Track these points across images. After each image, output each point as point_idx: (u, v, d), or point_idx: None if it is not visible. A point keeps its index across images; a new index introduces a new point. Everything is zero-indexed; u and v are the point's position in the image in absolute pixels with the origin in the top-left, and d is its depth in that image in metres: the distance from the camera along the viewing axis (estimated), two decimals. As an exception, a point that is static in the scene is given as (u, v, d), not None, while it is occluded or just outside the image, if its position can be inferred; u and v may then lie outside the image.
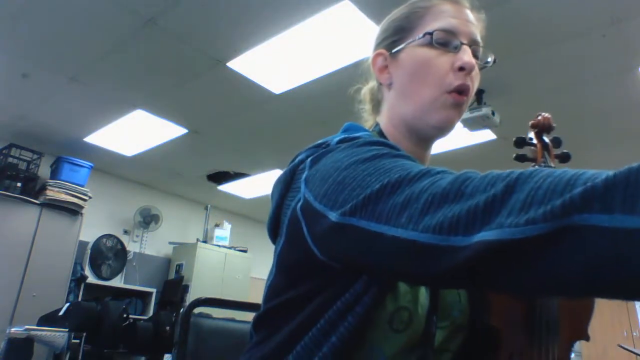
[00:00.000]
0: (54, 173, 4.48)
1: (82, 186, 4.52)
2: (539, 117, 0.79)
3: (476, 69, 0.68)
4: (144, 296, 5.33)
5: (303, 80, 3.28)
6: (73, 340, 3.36)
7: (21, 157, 4.43)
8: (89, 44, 3.06)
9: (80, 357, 3.41)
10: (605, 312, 5.25)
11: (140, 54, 3.13)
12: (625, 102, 3.39)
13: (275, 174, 4.75)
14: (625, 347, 3.59)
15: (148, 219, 5.56)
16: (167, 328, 3.78)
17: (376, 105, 0.78)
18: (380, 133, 0.72)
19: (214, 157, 4.87)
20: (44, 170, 4.55)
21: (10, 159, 4.34)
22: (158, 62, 3.22)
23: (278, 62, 3.11)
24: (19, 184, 4.28)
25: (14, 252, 4.02)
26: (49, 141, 4.55)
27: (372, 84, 0.81)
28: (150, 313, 5.08)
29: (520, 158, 0.82)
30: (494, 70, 3.53)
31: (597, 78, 3.15)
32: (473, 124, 3.31)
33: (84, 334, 3.43)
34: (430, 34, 0.67)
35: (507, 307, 0.68)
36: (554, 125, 0.80)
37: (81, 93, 3.68)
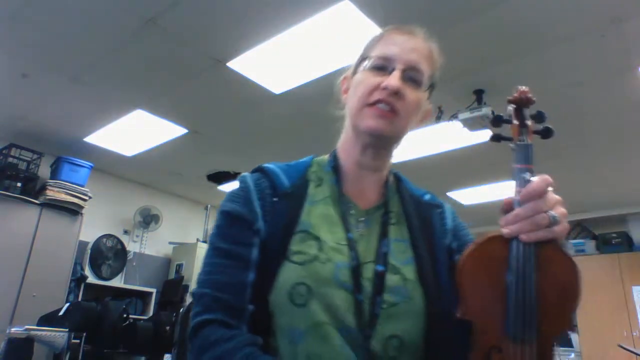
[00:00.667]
0: (54, 173, 4.48)
1: (82, 186, 4.52)
2: (517, 92, 0.78)
3: (412, 93, 0.79)
4: (144, 296, 5.33)
5: (303, 80, 3.28)
6: (73, 340, 3.36)
7: (21, 157, 4.44)
8: (89, 44, 3.06)
9: (80, 357, 3.41)
10: (605, 312, 5.25)
11: (140, 54, 3.13)
12: (625, 102, 3.39)
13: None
14: (625, 347, 3.59)
15: (148, 219, 5.56)
16: (167, 328, 3.78)
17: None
18: (334, 156, 0.86)
19: (214, 157, 4.87)
20: (44, 170, 4.55)
21: (10, 159, 4.34)
22: (158, 62, 3.22)
23: (278, 62, 3.11)
24: (19, 184, 4.28)
25: (14, 252, 4.02)
26: (49, 141, 4.55)
27: None
28: (150, 313, 5.08)
29: (496, 138, 0.81)
30: (494, 71, 3.54)
31: (597, 78, 3.15)
32: (473, 124, 3.31)
33: (84, 334, 3.43)
34: (367, 59, 0.82)
35: (482, 298, 0.67)
36: (533, 99, 0.77)
37: (81, 93, 3.68)
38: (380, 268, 0.73)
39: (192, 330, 0.69)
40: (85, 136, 4.46)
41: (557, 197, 0.67)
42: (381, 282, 0.72)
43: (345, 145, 0.85)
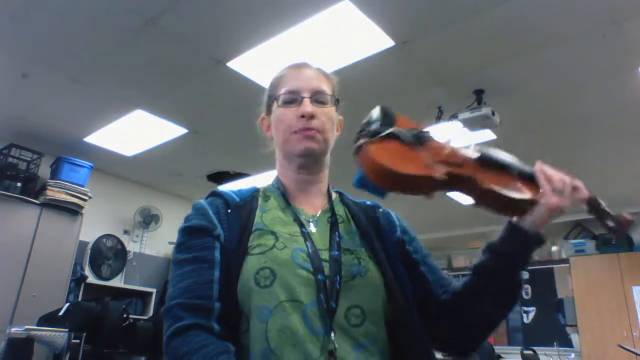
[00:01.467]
0: (54, 173, 4.48)
1: (82, 186, 4.51)
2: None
3: (324, 110, 0.92)
4: (144, 296, 5.32)
5: (303, 80, 3.28)
6: (73, 340, 3.35)
7: (21, 157, 4.43)
8: (89, 44, 3.06)
9: (80, 357, 3.41)
10: (605, 312, 5.25)
11: (140, 54, 3.13)
12: (625, 102, 3.39)
13: (275, 174, 4.71)
14: (625, 347, 3.60)
15: (148, 219, 5.56)
16: (167, 328, 3.77)
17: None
18: (277, 179, 0.98)
19: (214, 157, 4.87)
20: (44, 170, 4.55)
21: (10, 159, 4.34)
22: (158, 62, 3.22)
23: (278, 62, 3.10)
24: (19, 184, 4.28)
25: (14, 252, 4.02)
26: (49, 141, 4.55)
27: None
28: (150, 313, 5.08)
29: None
30: (494, 71, 3.54)
31: (597, 78, 3.15)
32: (473, 124, 3.31)
33: (84, 334, 3.42)
34: (277, 97, 0.94)
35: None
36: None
37: (81, 93, 3.68)
38: (335, 252, 0.83)
39: (165, 345, 0.74)
40: (85, 136, 4.46)
41: None
42: (338, 263, 0.81)
43: (283, 171, 0.97)
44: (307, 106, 0.90)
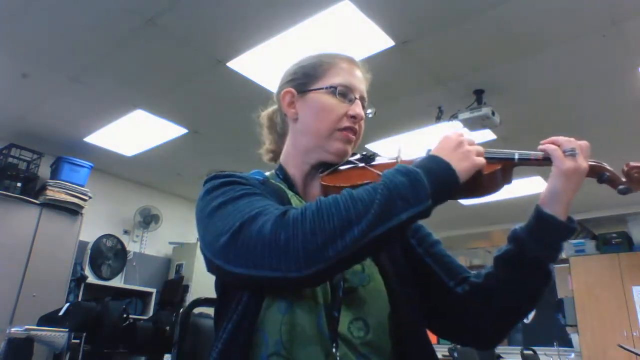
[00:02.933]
0: (54, 173, 4.48)
1: (82, 186, 4.51)
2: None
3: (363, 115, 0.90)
4: (144, 296, 5.32)
5: (303, 80, 3.28)
6: (73, 340, 3.35)
7: (21, 157, 4.43)
8: (89, 44, 3.06)
9: (80, 357, 3.41)
10: (605, 312, 5.25)
11: (140, 54, 3.13)
12: (625, 102, 3.39)
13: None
14: (625, 347, 3.59)
15: (148, 219, 5.56)
16: (167, 328, 3.78)
17: (275, 130, 1.00)
18: (281, 168, 0.93)
19: (214, 157, 4.87)
20: (44, 170, 4.55)
21: (10, 159, 4.34)
22: (158, 62, 3.22)
23: (278, 62, 3.11)
24: (19, 184, 4.28)
25: (14, 252, 4.02)
26: (49, 141, 4.55)
27: (272, 109, 1.01)
28: (150, 313, 5.08)
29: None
30: (494, 71, 3.53)
31: (597, 78, 3.15)
32: (473, 124, 3.31)
33: (84, 334, 3.42)
34: (335, 87, 0.88)
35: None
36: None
37: (81, 93, 3.68)
38: None
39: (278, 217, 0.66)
40: (85, 136, 4.46)
41: None
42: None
43: (295, 159, 0.92)
44: (361, 109, 0.88)
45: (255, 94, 3.51)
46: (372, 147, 4.14)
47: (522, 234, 0.79)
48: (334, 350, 0.70)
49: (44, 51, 3.16)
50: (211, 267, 0.72)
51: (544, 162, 0.77)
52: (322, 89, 0.89)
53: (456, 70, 3.16)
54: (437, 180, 0.69)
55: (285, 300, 0.71)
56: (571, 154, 0.75)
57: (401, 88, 3.36)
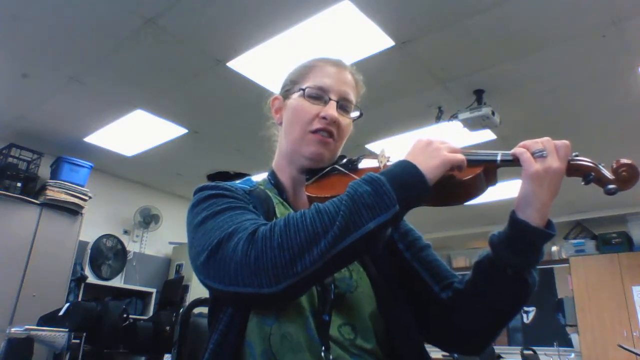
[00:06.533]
0: (54, 173, 4.48)
1: (82, 186, 4.51)
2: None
3: (345, 120, 0.89)
4: (144, 296, 5.32)
5: (303, 80, 3.28)
6: (73, 340, 3.35)
7: (21, 157, 4.43)
8: (89, 44, 3.06)
9: (80, 357, 3.41)
10: (605, 312, 5.25)
11: (140, 54, 3.13)
12: (625, 102, 3.39)
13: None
14: (625, 347, 3.59)
15: (148, 219, 5.56)
16: (167, 328, 3.78)
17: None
18: (272, 174, 0.94)
19: (214, 157, 4.87)
20: (44, 170, 4.55)
21: (10, 159, 4.34)
22: (158, 62, 3.22)
23: (278, 62, 3.11)
24: (19, 184, 4.28)
25: (14, 252, 4.02)
26: (49, 141, 4.55)
27: None
28: (150, 313, 5.08)
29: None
30: (494, 71, 3.52)
31: (597, 78, 3.15)
32: (473, 124, 3.31)
33: (84, 334, 3.42)
34: (304, 89, 0.88)
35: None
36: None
37: (81, 93, 3.68)
38: None
39: (250, 235, 0.67)
40: (85, 136, 4.46)
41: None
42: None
43: (282, 163, 0.93)
44: (334, 110, 0.87)
45: (255, 94, 3.50)
46: (372, 147, 4.14)
47: (495, 240, 0.76)
48: (322, 354, 0.70)
49: (44, 51, 3.16)
50: (198, 278, 0.75)
51: (520, 164, 0.74)
52: (297, 92, 0.90)
53: (456, 70, 3.16)
54: (402, 184, 0.68)
55: (271, 311, 0.72)
56: (539, 155, 0.72)
57: (401, 88, 3.36)
